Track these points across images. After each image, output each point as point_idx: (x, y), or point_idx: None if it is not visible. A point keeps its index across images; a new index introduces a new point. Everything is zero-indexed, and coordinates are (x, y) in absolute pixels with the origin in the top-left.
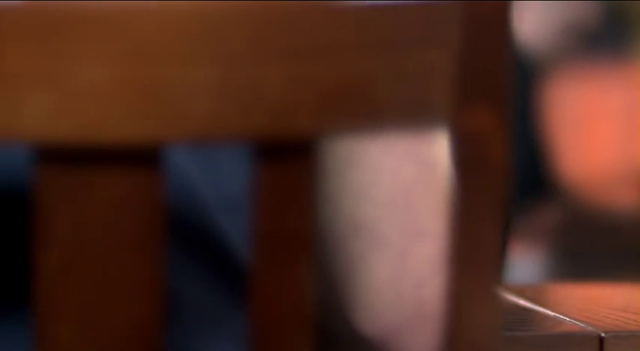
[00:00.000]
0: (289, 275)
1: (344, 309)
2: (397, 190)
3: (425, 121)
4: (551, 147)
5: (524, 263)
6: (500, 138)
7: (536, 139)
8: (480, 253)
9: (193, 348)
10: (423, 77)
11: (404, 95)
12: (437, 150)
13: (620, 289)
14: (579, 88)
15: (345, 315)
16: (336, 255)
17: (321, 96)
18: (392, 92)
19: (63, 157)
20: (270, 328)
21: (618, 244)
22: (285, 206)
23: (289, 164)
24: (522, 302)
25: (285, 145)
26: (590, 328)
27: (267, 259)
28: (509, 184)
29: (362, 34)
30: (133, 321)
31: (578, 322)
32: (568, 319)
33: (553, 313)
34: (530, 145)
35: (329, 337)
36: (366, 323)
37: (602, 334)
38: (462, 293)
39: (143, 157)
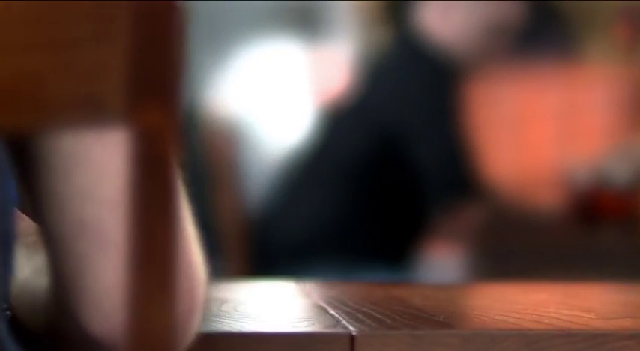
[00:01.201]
0: None
1: (74, 310)
2: (122, 190)
3: (98, 119)
4: (476, 147)
5: (447, 263)
6: (172, 136)
7: (461, 140)
8: (157, 251)
9: None
10: (95, 75)
11: (76, 93)
12: None
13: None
14: (515, 88)
15: (75, 316)
16: (64, 255)
17: None
18: (63, 90)
19: None
20: None
21: (542, 245)
22: None
23: None
24: (311, 300)
25: None
26: (343, 327)
27: None
28: (183, 182)
29: (30, 31)
30: None
31: (345, 321)
32: (340, 318)
33: (332, 312)
34: (454, 145)
35: (62, 338)
36: (95, 324)
37: (354, 333)
38: (140, 291)
39: None
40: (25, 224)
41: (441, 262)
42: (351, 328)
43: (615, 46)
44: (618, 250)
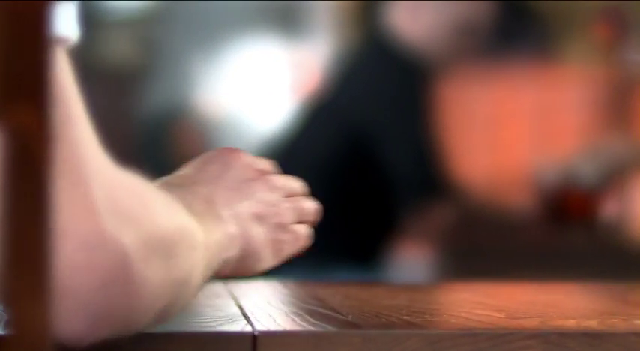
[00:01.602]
0: None
1: None
2: None
3: None
4: (447, 148)
5: (417, 263)
6: (44, 136)
7: (432, 140)
8: (27, 250)
9: None
10: None
11: None
12: None
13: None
14: (490, 88)
15: None
16: None
17: None
18: None
19: None
20: None
21: (512, 244)
22: None
23: None
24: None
25: None
26: (251, 326)
27: None
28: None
29: None
30: None
31: (255, 320)
32: (250, 318)
33: (246, 312)
34: (424, 145)
35: None
36: None
37: (256, 333)
38: (12, 289)
39: None
40: None
41: (411, 262)
42: (257, 327)
43: (594, 46)
44: (585, 250)
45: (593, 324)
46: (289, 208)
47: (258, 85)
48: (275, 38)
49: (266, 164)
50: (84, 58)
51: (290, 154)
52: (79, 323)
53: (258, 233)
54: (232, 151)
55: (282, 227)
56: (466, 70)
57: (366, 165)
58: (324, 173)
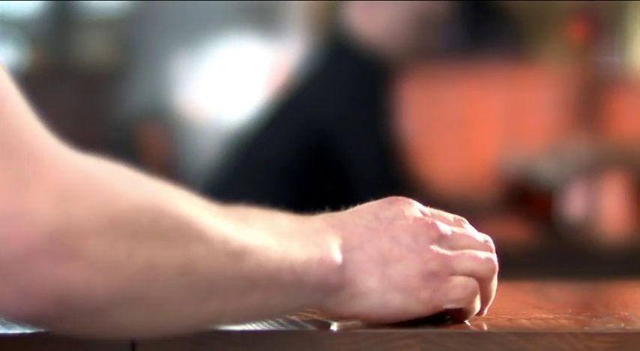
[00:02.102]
0: None
1: None
2: None
3: None
4: (411, 147)
5: None
6: None
7: (394, 140)
8: None
9: None
10: None
11: None
12: None
13: None
14: (461, 88)
15: None
16: None
17: None
18: None
19: None
20: None
21: None
22: None
23: None
24: None
25: None
26: None
27: None
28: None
29: None
30: None
31: None
32: None
33: None
34: (386, 145)
35: None
36: None
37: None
38: None
39: None
40: None
41: None
42: None
43: (567, 46)
44: (547, 249)
45: (477, 323)
46: (450, 257)
47: (233, 85)
48: (250, 39)
49: (446, 216)
50: (60, 59)
51: (252, 152)
52: (12, 297)
53: (384, 273)
54: (403, 198)
55: (433, 275)
56: (438, 70)
57: (329, 164)
58: (286, 173)
